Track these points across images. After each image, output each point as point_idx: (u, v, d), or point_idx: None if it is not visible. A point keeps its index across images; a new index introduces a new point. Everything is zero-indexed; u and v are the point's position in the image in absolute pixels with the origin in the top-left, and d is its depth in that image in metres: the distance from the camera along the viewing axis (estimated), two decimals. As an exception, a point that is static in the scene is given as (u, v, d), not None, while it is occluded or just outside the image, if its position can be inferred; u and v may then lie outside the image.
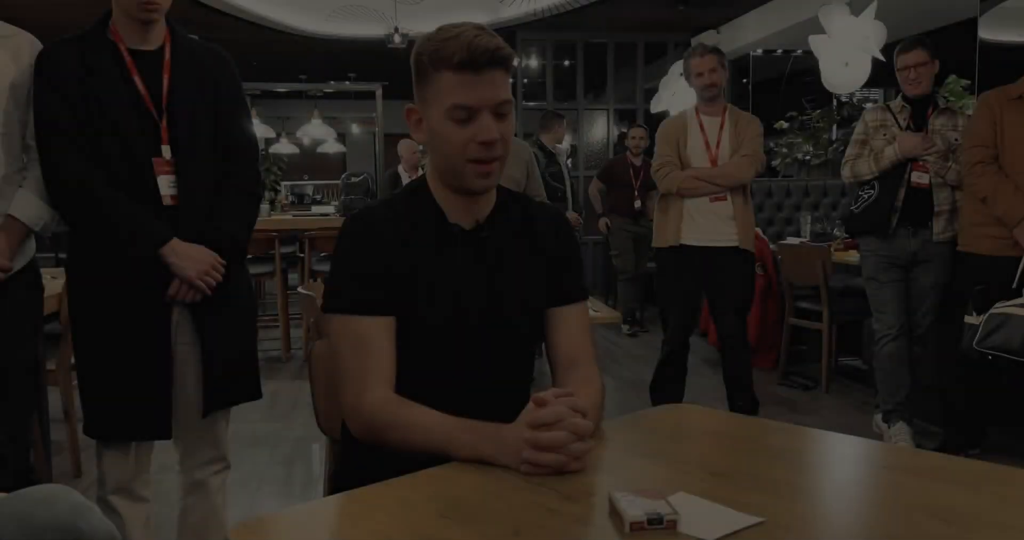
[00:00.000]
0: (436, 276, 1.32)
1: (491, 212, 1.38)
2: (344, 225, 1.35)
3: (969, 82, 5.80)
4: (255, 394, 2.03)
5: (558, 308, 1.41)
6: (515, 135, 4.29)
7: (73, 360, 2.01)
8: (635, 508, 0.93)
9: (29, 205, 1.85)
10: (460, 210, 1.36)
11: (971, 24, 5.39)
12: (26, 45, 1.89)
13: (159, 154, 1.84)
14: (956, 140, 3.36)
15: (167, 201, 1.85)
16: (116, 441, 1.91)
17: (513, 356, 1.41)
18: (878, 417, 3.61)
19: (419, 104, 1.32)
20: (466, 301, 1.33)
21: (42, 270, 2.02)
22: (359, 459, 1.36)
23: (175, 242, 1.82)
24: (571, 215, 5.16)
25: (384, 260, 1.30)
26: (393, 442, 1.21)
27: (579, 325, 1.42)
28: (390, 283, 1.29)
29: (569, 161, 5.40)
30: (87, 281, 1.87)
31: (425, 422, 1.19)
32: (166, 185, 1.84)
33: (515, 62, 1.29)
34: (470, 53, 1.22)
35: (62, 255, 6.08)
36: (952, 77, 6.10)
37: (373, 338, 1.27)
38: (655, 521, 0.92)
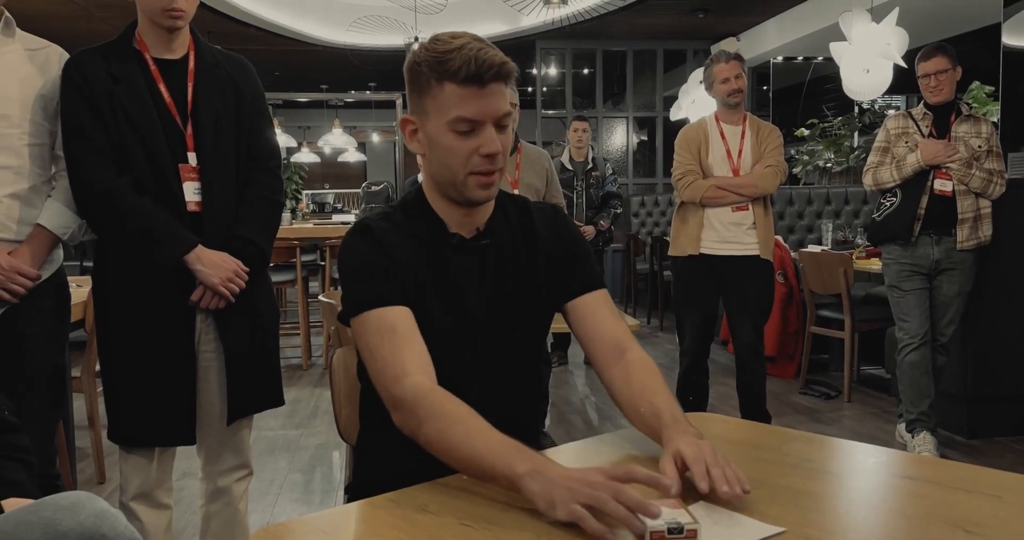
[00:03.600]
0: (438, 285, 1.32)
1: (489, 219, 1.37)
2: (347, 237, 1.34)
3: (993, 89, 5.75)
4: (277, 401, 2.05)
5: (579, 299, 1.38)
6: (533, 143, 4.26)
7: (98, 367, 2.03)
8: (655, 517, 0.93)
9: (57, 214, 1.89)
10: (459, 220, 1.35)
11: (995, 30, 5.35)
12: (55, 57, 1.93)
13: (185, 161, 1.86)
14: (980, 147, 3.33)
15: (192, 207, 1.87)
16: (140, 447, 1.92)
17: (519, 359, 1.40)
18: (901, 427, 3.57)
19: (416, 115, 1.30)
20: (469, 308, 1.33)
21: (68, 278, 2.05)
22: (376, 468, 1.36)
23: (200, 249, 1.84)
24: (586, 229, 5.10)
25: (393, 263, 1.29)
26: (428, 436, 1.14)
27: (608, 309, 1.38)
28: (399, 284, 1.28)
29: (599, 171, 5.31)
30: (112, 287, 1.90)
31: (469, 422, 1.11)
32: (191, 191, 1.87)
33: (517, 74, 1.30)
34: (477, 67, 1.21)
35: (88, 263, 6.16)
36: (976, 83, 6.05)
37: (399, 324, 1.24)
38: (675, 531, 0.92)
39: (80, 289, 2.81)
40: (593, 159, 5.31)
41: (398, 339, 1.23)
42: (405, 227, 1.34)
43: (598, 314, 1.37)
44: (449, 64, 1.22)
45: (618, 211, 5.32)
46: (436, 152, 1.28)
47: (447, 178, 1.30)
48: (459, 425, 1.12)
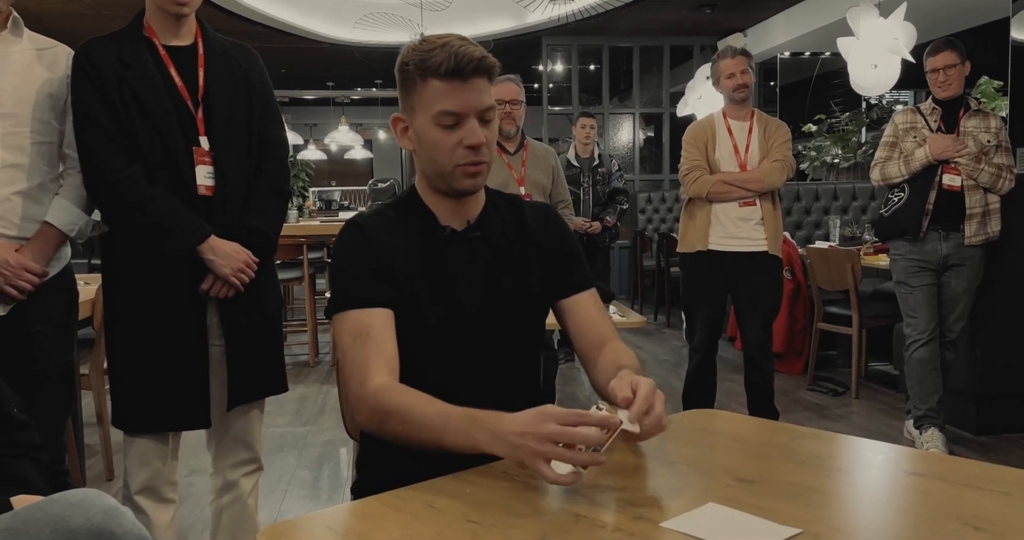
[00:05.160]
0: (431, 277, 1.36)
1: (481, 212, 1.42)
2: (339, 234, 1.39)
3: (1002, 83, 5.72)
4: (280, 387, 2.05)
5: (571, 298, 1.45)
6: (539, 140, 4.22)
7: (106, 364, 2.03)
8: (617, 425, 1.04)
9: (65, 212, 1.89)
10: (450, 213, 1.39)
11: (1003, 24, 5.32)
12: (63, 56, 1.93)
13: (198, 145, 1.88)
14: (989, 142, 3.31)
15: (202, 191, 1.88)
16: (151, 432, 1.92)
17: (515, 351, 1.43)
18: (909, 423, 3.56)
19: (405, 112, 1.36)
20: (462, 299, 1.36)
21: (76, 276, 2.05)
22: (382, 465, 1.37)
23: (212, 239, 1.85)
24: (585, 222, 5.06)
25: (381, 260, 1.34)
26: (393, 430, 1.20)
27: (597, 309, 1.46)
28: (388, 282, 1.33)
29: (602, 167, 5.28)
30: (122, 276, 1.90)
31: (424, 408, 1.17)
32: (203, 175, 1.88)
33: (498, 70, 1.37)
34: (457, 62, 1.27)
35: (95, 261, 6.17)
36: (984, 78, 6.02)
37: (373, 327, 1.29)
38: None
39: (88, 287, 2.82)
40: (599, 155, 5.29)
41: (370, 342, 1.28)
42: (398, 222, 1.39)
43: (588, 313, 1.45)
44: (432, 61, 1.28)
45: (624, 207, 5.32)
46: (424, 147, 1.34)
47: (435, 171, 1.35)
48: (415, 413, 1.17)
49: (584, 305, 1.45)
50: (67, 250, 1.98)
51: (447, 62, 1.27)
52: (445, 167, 1.33)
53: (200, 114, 1.88)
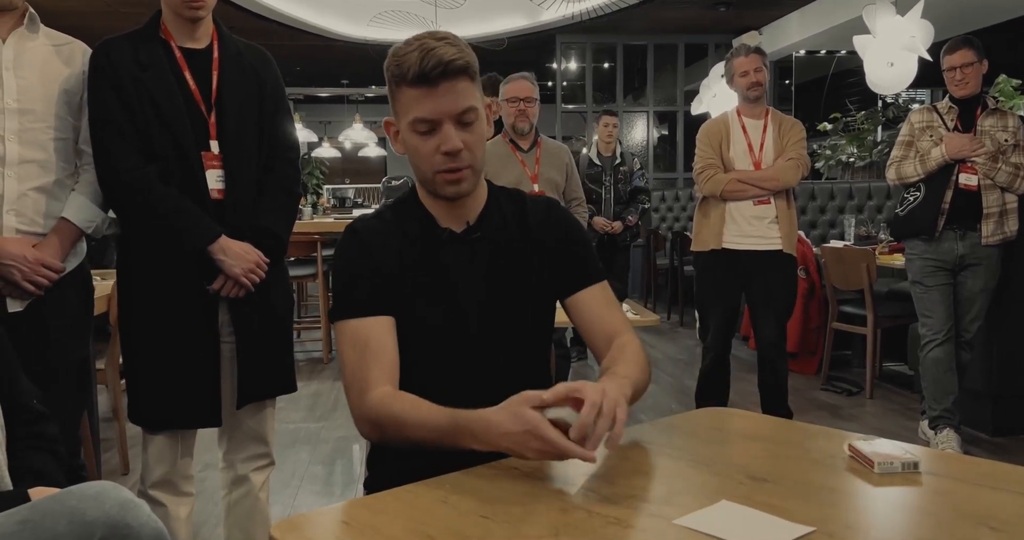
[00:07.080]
0: (431, 279, 1.35)
1: (481, 212, 1.40)
2: (341, 238, 1.39)
3: (1020, 82, 5.67)
4: (290, 387, 2.06)
5: (576, 294, 1.42)
6: (552, 138, 4.21)
7: (121, 360, 2.05)
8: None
9: (81, 208, 1.91)
10: (448, 214, 1.38)
11: (1021, 23, 5.28)
12: (79, 53, 1.95)
13: (208, 149, 1.88)
14: (1006, 141, 3.28)
15: (214, 195, 1.89)
16: (166, 429, 1.93)
17: (521, 351, 1.42)
18: (924, 424, 3.54)
19: (394, 117, 1.36)
20: (463, 300, 1.36)
21: (92, 271, 2.07)
22: (394, 462, 1.37)
23: (224, 240, 1.86)
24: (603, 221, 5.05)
25: (379, 266, 1.33)
26: (395, 440, 1.23)
27: (606, 302, 1.43)
28: (387, 287, 1.33)
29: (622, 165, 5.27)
30: (136, 275, 1.92)
31: (416, 418, 1.20)
32: (214, 179, 1.89)
33: (477, 67, 1.31)
34: (421, 67, 1.24)
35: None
36: (1002, 77, 5.97)
37: (372, 337, 1.30)
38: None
39: (103, 282, 2.84)
40: (621, 154, 5.28)
41: (368, 354, 1.29)
42: (396, 225, 1.38)
43: (596, 308, 1.42)
44: (401, 68, 1.27)
45: (646, 206, 5.31)
46: (409, 153, 1.34)
47: (420, 176, 1.36)
48: (408, 424, 1.20)
49: (588, 301, 1.42)
50: (83, 245, 1.99)
51: (413, 68, 1.25)
52: (427, 173, 1.32)
53: (212, 118, 1.89)
